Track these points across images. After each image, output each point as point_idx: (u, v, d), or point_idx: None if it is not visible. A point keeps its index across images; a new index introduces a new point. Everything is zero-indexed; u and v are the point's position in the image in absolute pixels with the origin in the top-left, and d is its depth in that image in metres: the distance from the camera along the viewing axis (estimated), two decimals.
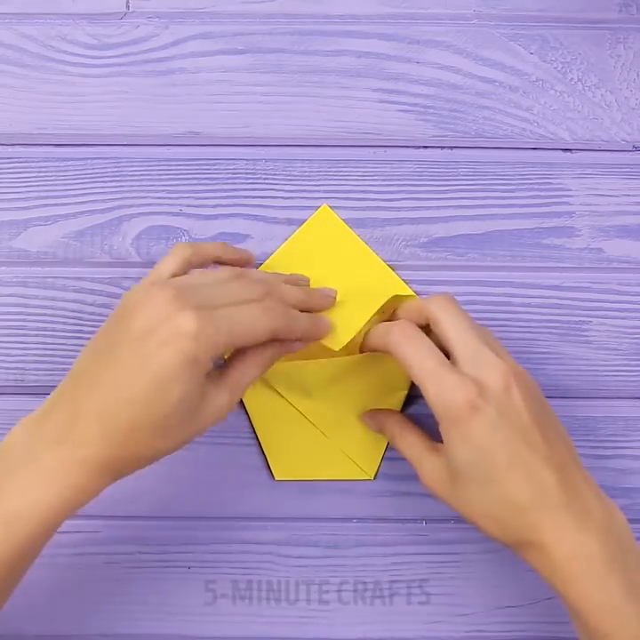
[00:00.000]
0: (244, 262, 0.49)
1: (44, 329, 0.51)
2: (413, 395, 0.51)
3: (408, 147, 0.52)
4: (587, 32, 0.52)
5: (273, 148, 0.52)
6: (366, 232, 0.52)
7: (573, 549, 0.41)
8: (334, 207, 0.52)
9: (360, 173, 0.52)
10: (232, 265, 0.47)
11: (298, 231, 0.52)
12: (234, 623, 0.52)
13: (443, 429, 0.43)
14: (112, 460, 0.40)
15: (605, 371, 0.52)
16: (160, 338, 0.40)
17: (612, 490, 0.51)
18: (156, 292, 0.41)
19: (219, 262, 0.47)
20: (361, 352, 0.48)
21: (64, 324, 0.51)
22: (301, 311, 0.45)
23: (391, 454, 0.51)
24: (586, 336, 0.52)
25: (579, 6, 0.52)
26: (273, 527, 0.52)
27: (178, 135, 0.52)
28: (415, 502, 0.51)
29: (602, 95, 0.52)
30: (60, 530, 0.41)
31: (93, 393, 0.40)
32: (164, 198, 0.52)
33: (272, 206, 0.52)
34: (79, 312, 0.51)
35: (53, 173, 0.52)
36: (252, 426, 0.51)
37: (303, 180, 0.52)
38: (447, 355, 0.44)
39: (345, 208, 0.52)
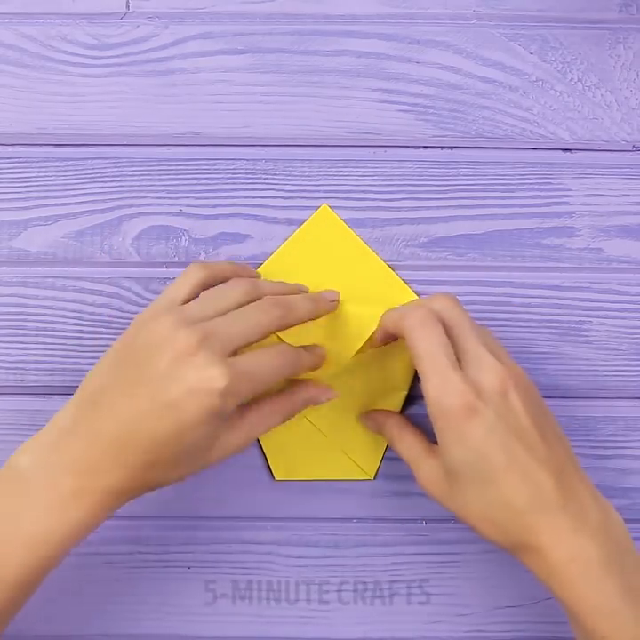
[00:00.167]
0: None
1: (44, 329, 0.51)
2: (413, 395, 0.51)
3: (408, 147, 0.52)
4: (587, 32, 0.52)
5: (273, 147, 0.52)
6: (366, 232, 0.52)
7: (570, 552, 0.41)
8: (334, 207, 0.52)
9: (360, 173, 0.52)
10: None
11: (297, 231, 0.52)
12: (234, 623, 0.52)
13: (438, 430, 0.42)
14: (127, 489, 0.42)
15: (605, 371, 0.52)
16: (188, 386, 0.41)
17: (611, 490, 0.52)
18: (182, 335, 0.41)
19: None
20: (371, 340, 0.48)
21: (64, 324, 0.51)
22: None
23: (391, 454, 0.51)
24: (586, 336, 0.52)
25: (579, 6, 0.52)
26: (273, 527, 0.52)
27: (178, 135, 0.52)
28: (415, 502, 0.51)
29: (602, 95, 0.52)
30: None
31: (113, 425, 0.42)
32: (164, 198, 0.52)
33: (272, 206, 0.52)
34: (79, 312, 0.51)
35: (53, 173, 0.52)
36: None
37: (303, 179, 0.52)
38: None
39: (345, 208, 0.52)
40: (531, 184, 0.52)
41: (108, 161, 0.52)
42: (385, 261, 0.52)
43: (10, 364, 0.51)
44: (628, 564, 0.42)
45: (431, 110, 0.52)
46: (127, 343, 0.43)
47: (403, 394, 0.51)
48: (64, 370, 0.51)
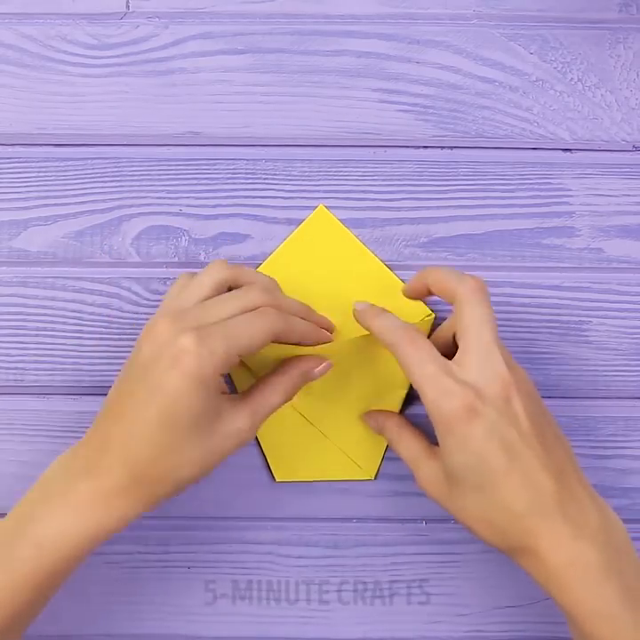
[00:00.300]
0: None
1: (44, 329, 0.51)
2: (413, 394, 0.51)
3: (408, 147, 0.52)
4: (587, 32, 0.52)
5: (273, 147, 0.52)
6: (366, 232, 0.52)
7: (569, 556, 0.41)
8: (334, 207, 0.52)
9: (360, 173, 0.52)
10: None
11: (294, 232, 0.52)
12: (234, 623, 0.52)
13: (439, 434, 0.42)
14: (136, 488, 0.42)
15: (605, 371, 0.52)
16: (165, 364, 0.41)
17: (611, 490, 0.52)
18: (156, 320, 0.43)
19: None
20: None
21: (64, 324, 0.51)
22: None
23: (391, 454, 0.51)
24: (586, 336, 0.52)
25: (579, 6, 0.52)
26: (273, 527, 0.52)
27: (178, 135, 0.52)
28: (415, 502, 0.51)
29: (602, 95, 0.52)
30: None
31: (116, 424, 0.43)
32: (164, 198, 0.52)
33: (272, 206, 0.52)
34: (79, 312, 0.51)
35: (53, 173, 0.52)
36: None
37: (303, 179, 0.52)
38: (454, 344, 0.44)
39: (345, 208, 0.52)
40: (531, 184, 0.52)
41: (107, 161, 0.52)
42: (385, 261, 0.52)
43: (9, 364, 0.51)
44: (628, 568, 0.42)
45: (431, 110, 0.52)
46: (136, 349, 0.44)
47: (403, 392, 0.51)
48: (64, 370, 0.51)
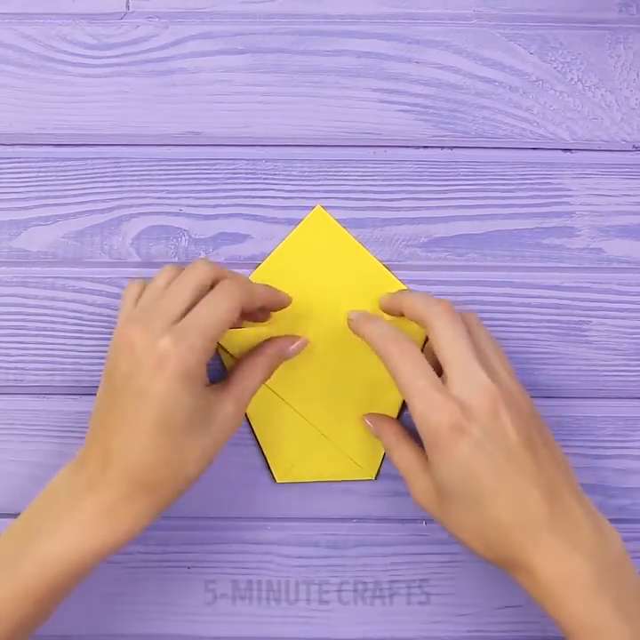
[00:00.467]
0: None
1: (44, 329, 0.51)
2: None
3: (408, 147, 0.52)
4: (587, 32, 0.52)
5: (273, 147, 0.52)
6: (366, 232, 0.52)
7: (562, 572, 0.41)
8: (334, 207, 0.52)
9: (360, 173, 0.52)
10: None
11: (292, 233, 0.52)
12: (234, 623, 0.52)
13: (427, 449, 0.43)
14: (141, 497, 0.43)
15: (605, 371, 0.52)
16: (148, 370, 0.42)
17: (611, 490, 0.52)
18: (126, 330, 0.43)
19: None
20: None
21: (64, 323, 0.51)
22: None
23: None
24: (586, 336, 0.52)
25: (579, 6, 0.52)
26: (273, 527, 0.52)
27: (178, 135, 0.52)
28: None
29: (602, 95, 0.52)
30: None
31: (113, 437, 0.43)
32: (164, 198, 0.52)
33: (272, 206, 0.52)
34: (79, 312, 0.51)
35: (53, 173, 0.52)
36: (251, 428, 0.51)
37: (303, 179, 0.52)
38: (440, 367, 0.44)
39: (345, 208, 0.52)
40: (531, 184, 0.52)
41: (107, 161, 0.52)
42: (385, 261, 0.52)
43: (9, 364, 0.51)
44: (623, 583, 0.41)
45: (431, 110, 0.52)
46: (112, 359, 0.44)
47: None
48: (63, 370, 0.51)
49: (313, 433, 0.51)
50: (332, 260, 0.51)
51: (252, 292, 0.45)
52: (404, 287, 0.51)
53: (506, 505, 0.41)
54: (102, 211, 0.52)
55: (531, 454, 0.42)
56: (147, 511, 0.43)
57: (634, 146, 0.52)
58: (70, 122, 0.52)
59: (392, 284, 0.51)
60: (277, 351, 0.47)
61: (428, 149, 0.52)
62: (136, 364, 0.42)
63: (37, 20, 0.52)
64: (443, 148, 0.52)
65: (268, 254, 0.52)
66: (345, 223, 0.52)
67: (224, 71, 0.52)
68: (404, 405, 0.51)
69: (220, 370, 0.51)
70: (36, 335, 0.51)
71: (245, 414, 0.51)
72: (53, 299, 0.51)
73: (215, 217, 0.52)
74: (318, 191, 0.52)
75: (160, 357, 0.41)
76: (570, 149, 0.52)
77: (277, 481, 0.51)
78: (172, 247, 0.52)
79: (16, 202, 0.52)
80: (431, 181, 0.52)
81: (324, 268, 0.51)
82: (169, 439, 0.42)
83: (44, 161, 0.52)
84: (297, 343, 0.48)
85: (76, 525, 0.42)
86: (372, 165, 0.52)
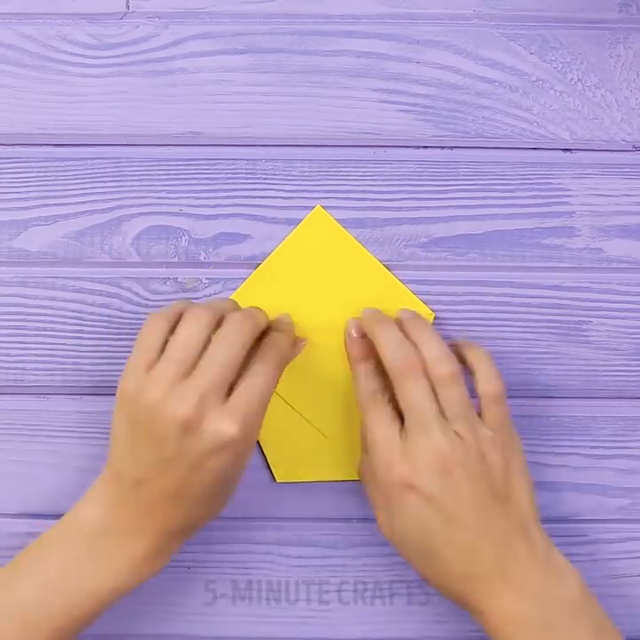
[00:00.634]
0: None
1: (44, 329, 0.51)
2: None
3: (408, 147, 0.52)
4: (587, 32, 0.52)
5: (273, 147, 0.52)
6: (366, 232, 0.52)
7: (511, 616, 0.43)
8: (334, 207, 0.52)
9: (360, 173, 0.52)
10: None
11: (292, 233, 0.52)
12: (234, 623, 0.52)
13: (381, 496, 0.45)
14: (174, 545, 0.46)
15: (605, 371, 0.52)
16: (208, 445, 0.42)
17: (611, 490, 0.52)
18: (175, 404, 0.42)
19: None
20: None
21: (64, 323, 0.51)
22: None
23: None
24: (586, 336, 0.52)
25: (579, 6, 0.52)
26: (273, 527, 0.52)
27: (178, 135, 0.52)
28: None
29: (602, 95, 0.52)
30: None
31: (157, 494, 0.44)
32: (164, 198, 0.52)
33: (272, 206, 0.52)
34: (79, 312, 0.51)
35: (53, 173, 0.52)
36: None
37: (303, 179, 0.52)
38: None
39: (344, 208, 0.52)
40: (531, 184, 0.52)
41: (107, 161, 0.52)
42: (385, 261, 0.52)
43: (9, 364, 0.51)
44: (579, 624, 0.43)
45: (431, 110, 0.52)
46: (129, 413, 0.44)
47: None
48: (64, 370, 0.51)
49: (313, 433, 0.51)
50: (332, 260, 0.51)
51: (288, 342, 0.47)
52: (404, 287, 0.51)
53: (452, 557, 0.43)
54: (102, 211, 0.52)
55: (480, 509, 0.43)
56: (167, 560, 0.46)
57: (634, 146, 0.52)
58: (70, 122, 0.52)
59: (392, 284, 0.51)
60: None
61: (428, 149, 0.52)
62: (193, 439, 0.42)
63: (37, 20, 0.52)
64: (443, 148, 0.52)
65: (268, 254, 0.52)
66: (345, 223, 0.52)
67: (224, 71, 0.52)
68: None
69: None
70: (36, 335, 0.51)
71: None
72: (53, 299, 0.51)
73: (215, 217, 0.52)
74: (318, 191, 0.52)
75: (224, 441, 0.42)
76: (570, 149, 0.52)
77: (277, 481, 0.51)
78: (172, 247, 0.52)
79: (16, 202, 0.52)
80: (431, 181, 0.52)
81: (323, 268, 0.51)
82: (216, 504, 0.45)
83: (44, 161, 0.52)
84: (298, 346, 0.49)
85: (110, 573, 0.44)
86: (372, 165, 0.52)
